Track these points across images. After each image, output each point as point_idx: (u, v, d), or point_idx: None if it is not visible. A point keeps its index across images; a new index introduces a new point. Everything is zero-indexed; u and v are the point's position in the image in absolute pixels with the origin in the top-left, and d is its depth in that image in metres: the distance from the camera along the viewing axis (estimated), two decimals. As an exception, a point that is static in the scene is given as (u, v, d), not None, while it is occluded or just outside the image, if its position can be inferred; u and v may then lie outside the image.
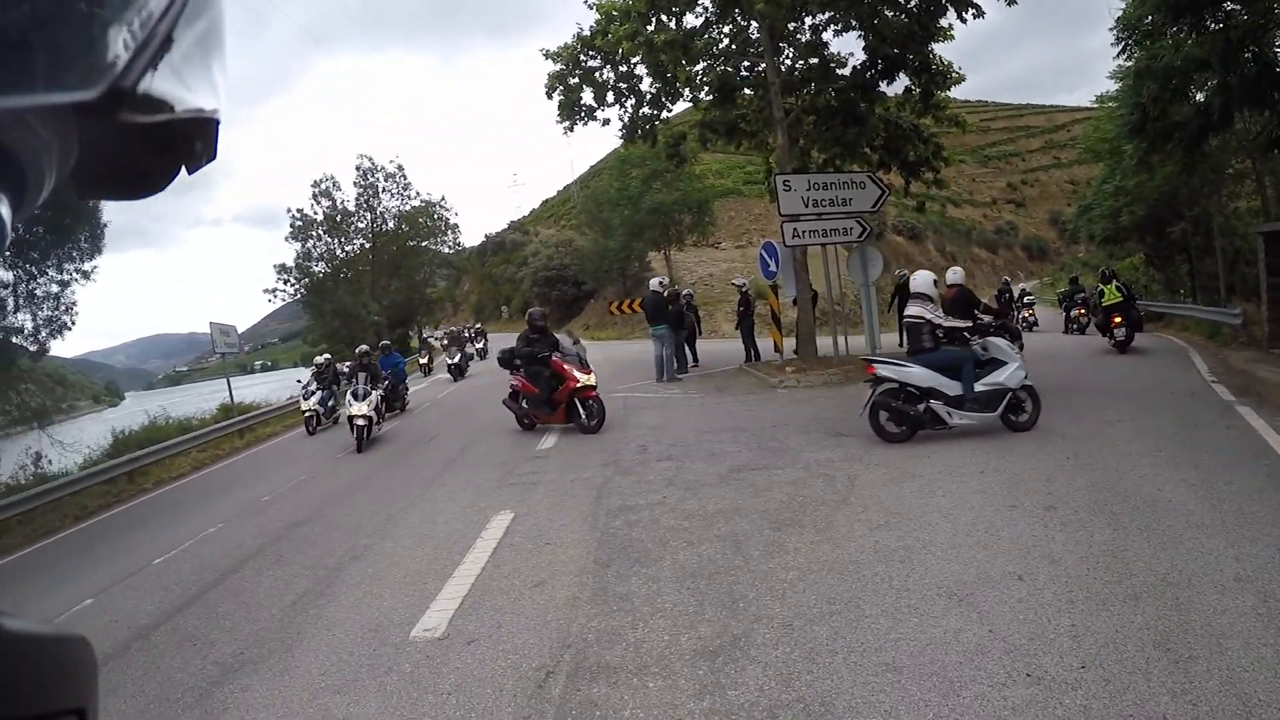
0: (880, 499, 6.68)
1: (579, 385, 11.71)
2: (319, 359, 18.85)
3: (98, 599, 7.49)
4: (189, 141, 0.47)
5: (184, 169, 0.49)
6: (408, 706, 4.23)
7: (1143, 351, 15.74)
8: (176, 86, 0.44)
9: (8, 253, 12.22)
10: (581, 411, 11.73)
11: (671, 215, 41.77)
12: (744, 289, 19.53)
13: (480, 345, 33.48)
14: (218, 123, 0.49)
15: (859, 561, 5.28)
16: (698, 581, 5.33)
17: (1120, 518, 5.56)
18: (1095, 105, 34.07)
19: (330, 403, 17.81)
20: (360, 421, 13.76)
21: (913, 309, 8.89)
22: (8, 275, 16.36)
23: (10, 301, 16.47)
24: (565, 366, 11.93)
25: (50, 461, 16.91)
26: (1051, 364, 13.07)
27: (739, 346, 19.61)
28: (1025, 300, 27.74)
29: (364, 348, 16.74)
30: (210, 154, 0.50)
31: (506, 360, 12.90)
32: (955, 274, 11.19)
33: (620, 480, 8.50)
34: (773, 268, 16.88)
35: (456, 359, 25.74)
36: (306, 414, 17.73)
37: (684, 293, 19.84)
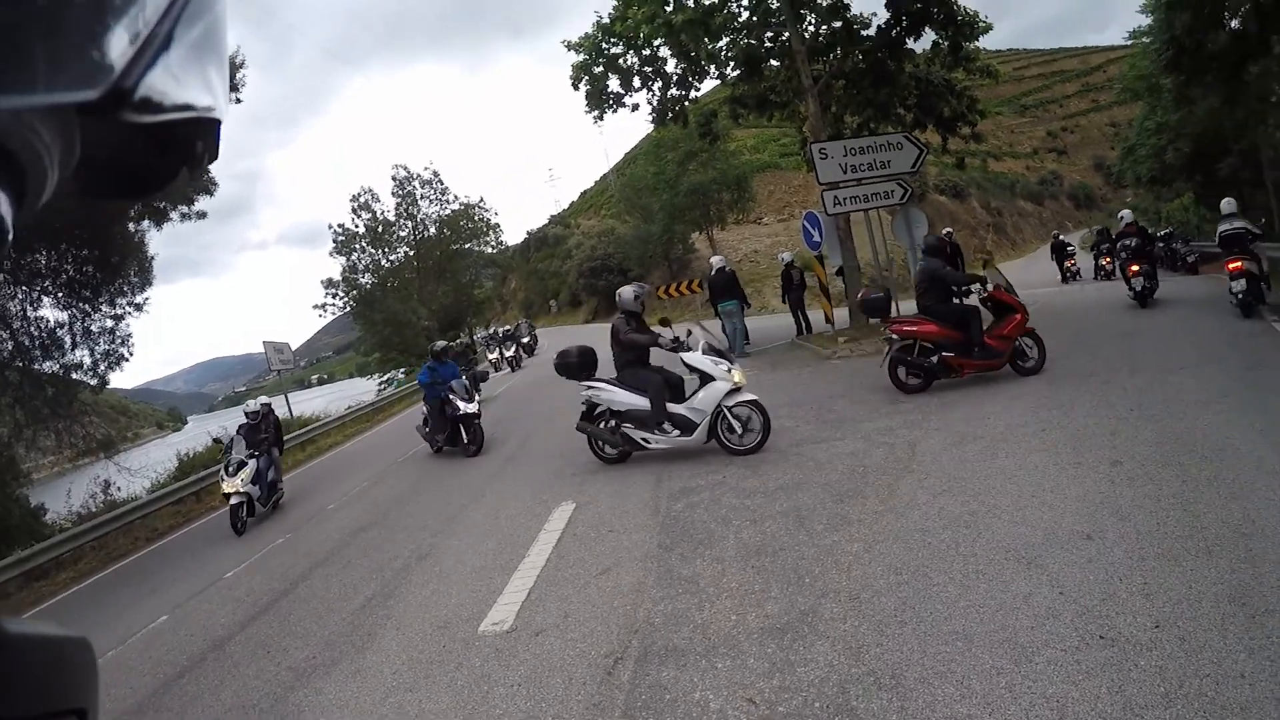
0: (942, 464, 6.57)
1: (1027, 317, 9.67)
2: (251, 404, 12.80)
3: (172, 614, 7.75)
4: (190, 142, 0.47)
5: (186, 169, 0.49)
6: (479, 700, 4.28)
7: (1196, 295, 15.17)
8: (178, 87, 0.44)
9: (60, 293, 12.57)
10: (1030, 353, 9.61)
11: (710, 194, 41.86)
12: (790, 263, 19.30)
13: (527, 340, 34.71)
14: (219, 123, 0.48)
15: (924, 529, 5.20)
16: (762, 559, 5.30)
17: (1188, 469, 5.37)
18: (1129, 42, 33.24)
19: (271, 475, 11.93)
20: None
21: (1239, 222, 11.72)
22: (63, 315, 16.91)
23: (67, 339, 16.97)
24: (1011, 297, 9.73)
25: (119, 488, 17.48)
26: (1101, 313, 12.62)
27: (789, 321, 19.40)
28: (1068, 251, 27.37)
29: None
30: (213, 155, 0.50)
31: (878, 306, 11.22)
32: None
33: (679, 463, 8.47)
34: (816, 238, 16.68)
35: (512, 351, 28.25)
36: (233, 499, 11.08)
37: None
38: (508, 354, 29.59)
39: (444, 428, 12.70)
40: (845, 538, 5.34)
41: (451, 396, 12.53)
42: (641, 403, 8.63)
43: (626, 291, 9.32)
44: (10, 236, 0.40)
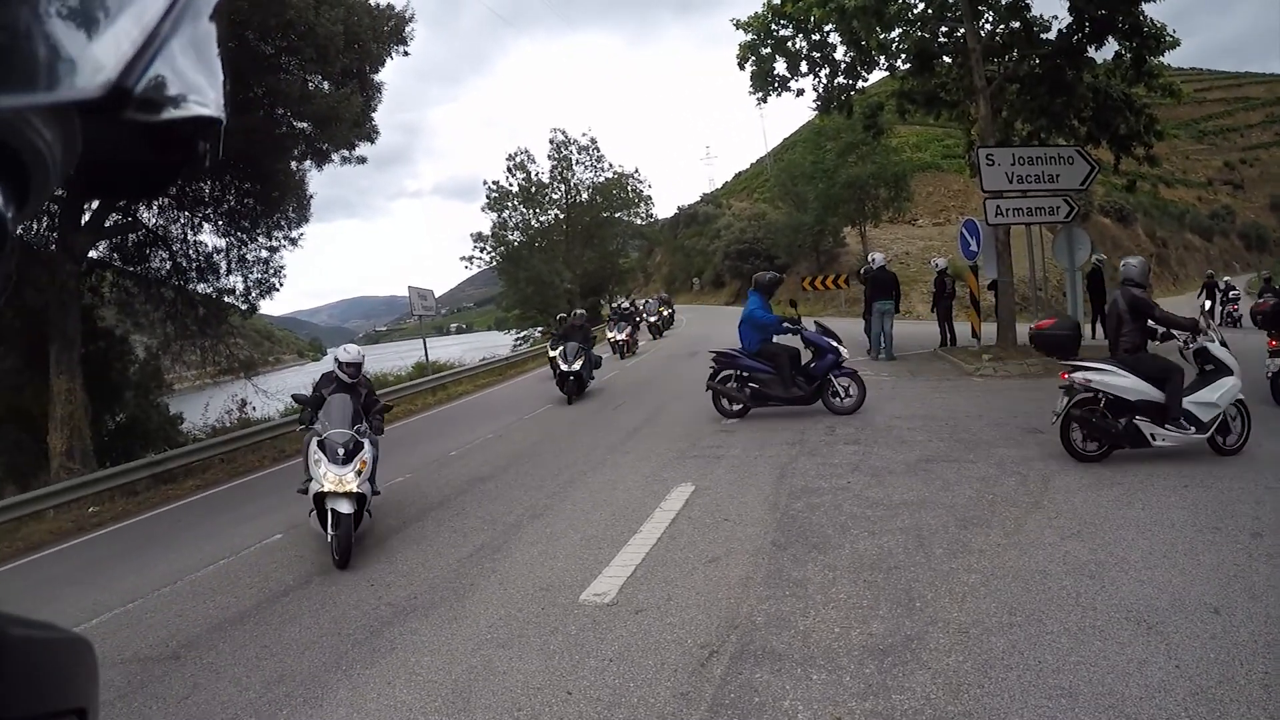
0: (1075, 505, 6.26)
1: None
2: (348, 351, 7.87)
3: (287, 534, 8.16)
4: (192, 141, 0.48)
5: (188, 169, 0.50)
6: (569, 668, 4.36)
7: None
8: (179, 86, 0.44)
9: (220, 221, 13.35)
10: None
11: (867, 189, 40.82)
12: (944, 270, 18.70)
13: (654, 319, 31.17)
14: (220, 122, 0.49)
15: (1046, 571, 4.98)
16: (875, 574, 5.20)
17: (1334, 555, 4.91)
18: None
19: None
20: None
21: None
22: (221, 242, 18.06)
23: (223, 265, 18.09)
24: None
25: (254, 408, 18.67)
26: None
27: (933, 329, 18.91)
28: (1231, 295, 26.14)
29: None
30: (214, 154, 0.50)
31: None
32: None
33: (805, 461, 8.39)
34: (974, 247, 16.09)
35: (625, 334, 24.11)
36: (343, 506, 6.74)
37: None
38: (620, 337, 23.91)
39: (798, 382, 10.73)
40: (963, 566, 5.19)
41: (825, 339, 10.75)
42: (1153, 393, 7.42)
43: (1137, 262, 8.04)
44: (11, 237, 0.41)
